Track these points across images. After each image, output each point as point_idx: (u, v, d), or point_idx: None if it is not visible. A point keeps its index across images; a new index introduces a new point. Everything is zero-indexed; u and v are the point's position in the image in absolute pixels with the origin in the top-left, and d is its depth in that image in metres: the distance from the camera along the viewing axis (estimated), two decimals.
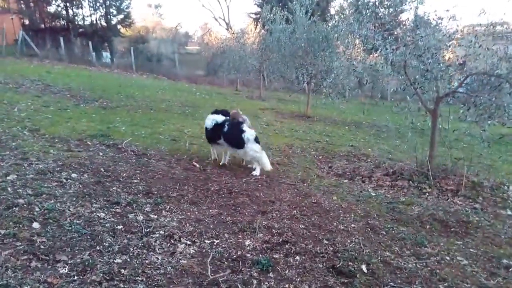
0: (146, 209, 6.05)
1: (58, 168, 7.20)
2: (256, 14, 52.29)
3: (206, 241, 5.23)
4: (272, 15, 22.05)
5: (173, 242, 5.07)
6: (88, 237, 4.88)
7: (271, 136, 13.12)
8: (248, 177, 8.41)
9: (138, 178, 7.36)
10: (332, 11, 37.58)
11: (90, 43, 39.78)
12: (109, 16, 47.19)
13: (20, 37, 35.25)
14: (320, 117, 20.03)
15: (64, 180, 6.68)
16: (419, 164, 9.25)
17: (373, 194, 8.14)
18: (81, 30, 45.51)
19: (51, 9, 45.16)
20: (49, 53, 34.49)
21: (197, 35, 79.06)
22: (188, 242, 5.11)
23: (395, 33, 9.09)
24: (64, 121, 11.01)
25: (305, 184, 8.37)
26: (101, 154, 8.54)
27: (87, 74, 25.15)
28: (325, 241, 5.57)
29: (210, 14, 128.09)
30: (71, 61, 34.03)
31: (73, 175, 7.01)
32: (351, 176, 9.41)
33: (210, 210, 6.32)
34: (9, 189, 5.95)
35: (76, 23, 45.87)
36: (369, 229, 6.24)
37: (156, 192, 6.75)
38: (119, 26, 48.71)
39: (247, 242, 5.30)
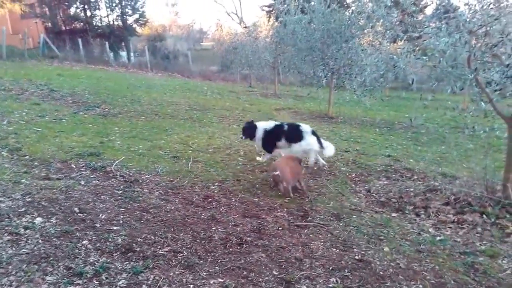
0: (120, 283, 3.90)
1: (23, 209, 5.18)
2: (269, 6, 50.21)
3: None
4: (285, 5, 19.55)
5: None
6: None
7: None
8: (266, 214, 5.96)
9: (121, 222, 5.18)
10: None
11: (106, 43, 37.93)
12: (124, 16, 45.74)
13: (41, 40, 33.70)
14: (344, 116, 16.87)
15: (22, 231, 4.63)
16: (489, 189, 6.62)
17: (438, 239, 5.62)
18: (98, 31, 44.01)
19: (71, 11, 44.02)
20: (68, 55, 32.89)
21: (212, 31, 77.25)
22: None
23: (451, 16, 6.56)
24: (54, 135, 8.91)
25: (341, 224, 5.86)
26: (82, 182, 6.41)
27: (98, 76, 22.95)
28: None
29: (223, 9, 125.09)
30: (90, 61, 32.58)
31: (38, 219, 4.96)
32: (399, 206, 6.76)
33: (211, 281, 4.10)
34: None
35: (94, 24, 44.47)
36: None
37: (139, 249, 4.54)
38: (134, 25, 47.17)
39: None
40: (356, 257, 4.88)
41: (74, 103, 13.29)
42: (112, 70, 30.86)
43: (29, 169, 6.67)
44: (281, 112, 16.58)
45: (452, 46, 6.18)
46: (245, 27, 31.13)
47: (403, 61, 7.47)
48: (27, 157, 7.26)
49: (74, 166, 7.10)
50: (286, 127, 8.45)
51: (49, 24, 42.99)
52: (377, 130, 14.40)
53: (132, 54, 45.65)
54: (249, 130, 8.49)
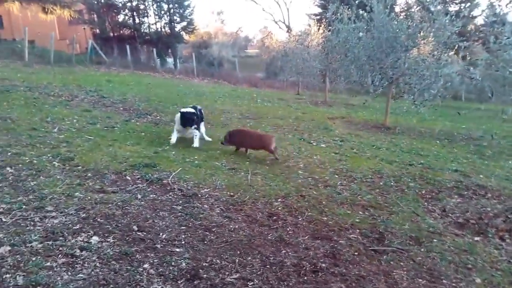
0: None
1: (77, 226, 4.74)
2: (316, 15, 49.48)
3: None
4: (339, 14, 19.03)
5: None
6: None
7: (351, 158, 9.86)
8: (337, 236, 5.45)
9: (183, 243, 4.72)
10: (397, 9, 33.59)
11: (154, 50, 38.19)
12: (173, 24, 46.30)
13: (89, 46, 34.14)
14: (401, 127, 16.08)
15: (78, 252, 4.20)
16: None
17: None
18: (146, 37, 44.50)
19: (120, 18, 44.69)
20: (116, 61, 33.22)
21: (257, 38, 77.45)
22: None
23: None
24: (107, 144, 8.53)
25: (422, 249, 5.28)
26: (139, 196, 5.98)
27: (147, 82, 22.79)
28: None
29: (270, 17, 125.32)
30: (137, 67, 32.79)
31: (94, 239, 4.52)
32: (479, 228, 6.19)
33: None
34: None
35: (142, 31, 44.99)
36: None
37: (205, 275, 4.08)
38: (182, 33, 47.48)
39: None
40: None
41: (125, 110, 13.00)
42: (159, 76, 30.84)
43: (82, 181, 6.27)
44: (335, 121, 15.98)
45: None
46: (295, 35, 30.53)
47: (480, 72, 6.90)
48: (80, 167, 6.86)
49: (129, 178, 6.70)
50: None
51: (97, 30, 43.71)
52: (438, 141, 13.68)
53: (178, 60, 45.98)
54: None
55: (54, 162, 6.95)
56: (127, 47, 36.40)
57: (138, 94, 16.59)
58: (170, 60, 46.45)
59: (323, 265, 4.56)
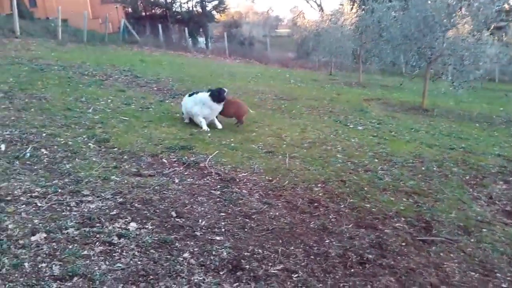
0: None
1: (114, 211, 4.59)
2: None
3: None
4: None
5: None
6: None
7: (390, 142, 9.47)
8: (382, 224, 5.16)
9: (223, 230, 4.52)
10: None
11: (185, 29, 38.08)
12: (204, 2, 45.87)
13: (121, 25, 34.15)
14: (439, 109, 15.53)
15: (116, 240, 4.04)
16: None
17: None
18: (178, 17, 44.51)
19: None
20: (148, 40, 33.20)
21: (287, 18, 76.72)
22: None
23: None
24: (142, 125, 8.41)
25: (471, 240, 4.96)
26: (176, 181, 5.81)
27: (180, 62, 22.62)
28: None
29: None
30: (169, 47, 32.77)
31: (132, 225, 4.36)
32: None
33: None
34: (25, 264, 3.42)
35: (174, 10, 45.01)
36: None
37: (248, 266, 3.88)
38: (213, 12, 47.38)
39: None
40: (503, 285, 4.06)
41: (159, 91, 12.86)
42: (191, 56, 30.68)
43: (118, 164, 6.12)
44: (371, 103, 15.57)
45: None
46: (328, 15, 30.00)
47: None
48: (115, 149, 6.73)
49: (165, 161, 6.55)
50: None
51: (129, 9, 43.75)
52: (477, 124, 13.23)
53: (209, 40, 45.95)
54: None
55: (89, 144, 6.85)
56: (159, 26, 36.39)
57: (172, 74, 16.45)
58: (201, 39, 46.42)
59: (370, 256, 4.30)
